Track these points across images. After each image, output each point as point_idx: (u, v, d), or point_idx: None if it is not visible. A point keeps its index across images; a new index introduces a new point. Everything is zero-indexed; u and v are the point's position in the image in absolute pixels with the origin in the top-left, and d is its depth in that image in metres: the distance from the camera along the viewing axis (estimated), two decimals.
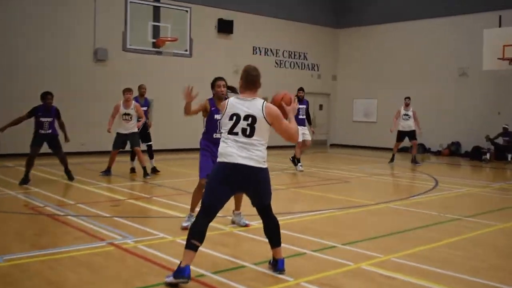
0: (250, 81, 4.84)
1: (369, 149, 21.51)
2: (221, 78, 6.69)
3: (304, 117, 13.63)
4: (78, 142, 15.19)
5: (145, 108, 12.02)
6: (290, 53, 22.06)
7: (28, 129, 10.78)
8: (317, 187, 11.08)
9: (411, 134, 15.69)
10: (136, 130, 11.51)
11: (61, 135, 10.68)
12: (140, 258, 5.42)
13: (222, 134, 4.82)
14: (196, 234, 4.60)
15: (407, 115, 15.59)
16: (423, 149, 19.74)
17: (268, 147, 4.85)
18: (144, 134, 12.11)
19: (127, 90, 11.29)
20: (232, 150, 4.67)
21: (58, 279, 4.75)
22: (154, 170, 12.08)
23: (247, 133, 4.70)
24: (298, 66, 22.36)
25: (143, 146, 12.05)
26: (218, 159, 4.77)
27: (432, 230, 7.00)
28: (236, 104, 4.77)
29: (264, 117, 4.71)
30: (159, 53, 17.68)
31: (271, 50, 21.37)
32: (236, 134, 4.71)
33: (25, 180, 10.15)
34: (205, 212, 4.72)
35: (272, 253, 5.01)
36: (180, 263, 4.57)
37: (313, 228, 6.99)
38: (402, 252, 5.79)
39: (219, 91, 6.57)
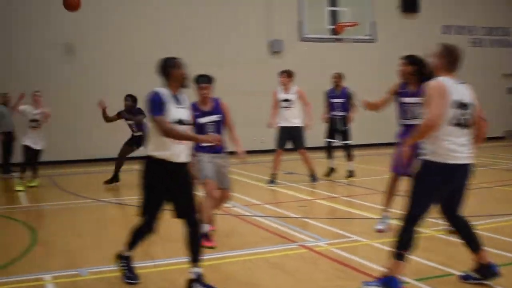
0: (457, 62, 4.55)
1: None
2: None
3: None
4: (259, 140, 15.78)
5: (341, 100, 11.22)
6: (488, 29, 20.71)
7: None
8: None
9: None
10: (300, 124, 10.55)
11: None
12: (334, 261, 5.53)
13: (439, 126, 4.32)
14: (409, 247, 4.45)
15: None
16: None
17: None
18: (341, 130, 11.27)
19: (283, 73, 10.56)
20: (455, 148, 4.34)
21: (252, 280, 5.05)
22: (351, 174, 11.32)
23: (469, 123, 4.43)
24: (500, 44, 20.93)
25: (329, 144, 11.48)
26: (434, 158, 4.37)
27: None
28: (458, 88, 4.40)
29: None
30: (339, 40, 17.77)
31: (465, 27, 20.30)
32: (461, 125, 4.38)
33: None
34: (415, 222, 4.46)
35: (477, 260, 4.65)
36: (389, 271, 4.49)
37: None
38: None
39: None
